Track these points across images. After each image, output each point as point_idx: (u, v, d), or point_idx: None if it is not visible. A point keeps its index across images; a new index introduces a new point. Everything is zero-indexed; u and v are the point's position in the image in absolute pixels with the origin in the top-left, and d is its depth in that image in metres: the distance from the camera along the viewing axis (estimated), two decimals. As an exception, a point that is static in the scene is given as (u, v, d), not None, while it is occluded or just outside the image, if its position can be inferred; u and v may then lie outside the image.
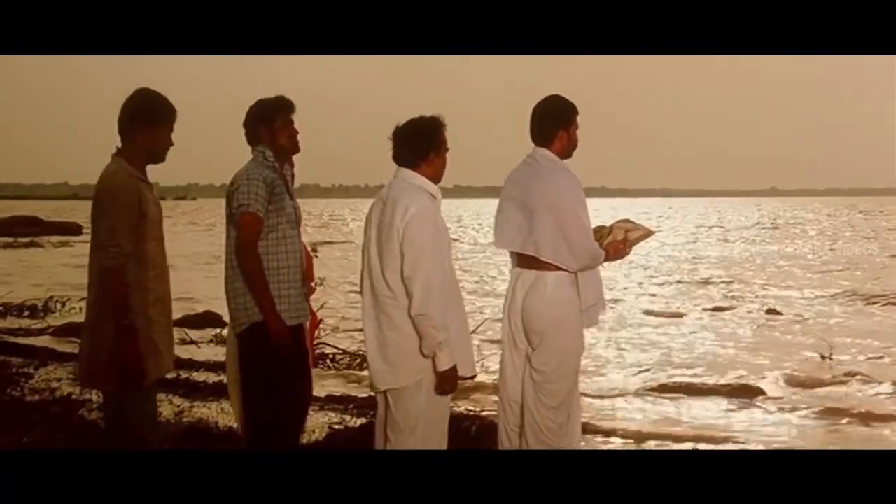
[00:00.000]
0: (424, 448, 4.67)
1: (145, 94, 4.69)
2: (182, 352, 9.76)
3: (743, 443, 7.87)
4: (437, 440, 4.76)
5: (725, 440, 7.97)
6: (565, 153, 5.26)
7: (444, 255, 4.72)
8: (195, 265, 25.37)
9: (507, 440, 5.27)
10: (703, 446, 7.62)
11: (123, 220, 4.47)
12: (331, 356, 11.08)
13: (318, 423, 7.52)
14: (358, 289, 4.98)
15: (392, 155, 4.82)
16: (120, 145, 4.65)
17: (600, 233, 5.29)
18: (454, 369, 4.67)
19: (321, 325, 9.65)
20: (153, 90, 4.72)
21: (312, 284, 5.35)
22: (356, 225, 56.44)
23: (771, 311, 16.45)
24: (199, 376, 9.62)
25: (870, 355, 12.09)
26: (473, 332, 6.17)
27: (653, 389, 9.98)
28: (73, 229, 42.88)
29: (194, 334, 12.47)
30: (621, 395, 9.78)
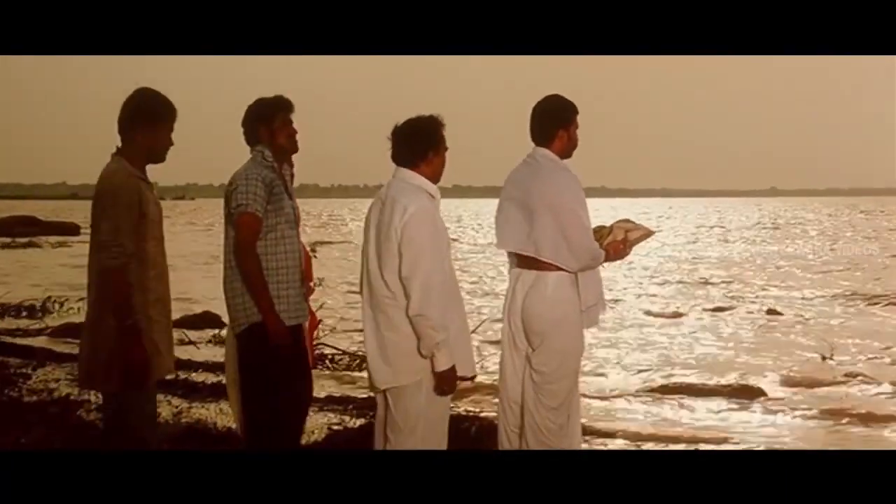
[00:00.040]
0: (424, 448, 4.66)
1: (145, 93, 4.68)
2: (181, 352, 9.73)
3: (743, 443, 7.86)
4: (437, 441, 4.75)
5: (725, 441, 7.96)
6: (565, 153, 5.25)
7: (444, 255, 4.70)
8: (193, 265, 25.36)
9: (507, 441, 5.25)
10: (703, 447, 7.61)
11: (125, 219, 4.47)
12: (330, 356, 11.07)
13: (317, 424, 7.51)
14: (356, 289, 4.97)
15: (391, 155, 4.81)
16: (120, 145, 4.64)
17: (600, 233, 5.28)
18: (453, 369, 4.66)
19: (320, 326, 9.63)
20: (153, 89, 4.71)
21: (311, 284, 5.34)
22: (355, 225, 56.46)
23: (771, 312, 16.44)
24: (197, 377, 9.60)
25: (870, 356, 12.08)
26: (472, 332, 6.15)
27: (653, 390, 9.97)
28: (72, 229, 42.89)
29: (193, 335, 12.43)
30: (621, 395, 9.77)
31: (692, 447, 7.59)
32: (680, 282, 22.48)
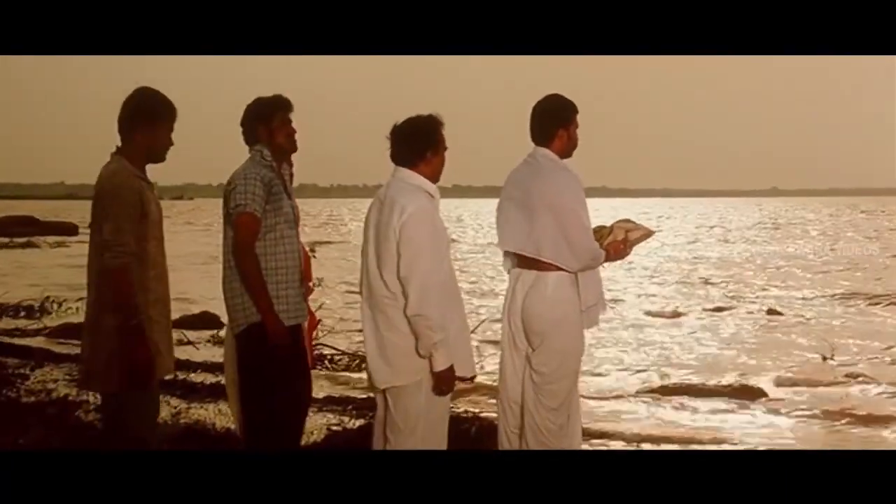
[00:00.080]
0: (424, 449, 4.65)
1: (145, 92, 4.67)
2: (179, 353, 9.70)
3: (743, 444, 7.85)
4: (437, 441, 4.74)
5: (726, 441, 7.95)
6: (565, 152, 5.24)
7: (443, 255, 4.69)
8: (192, 265, 25.33)
9: (507, 441, 5.24)
10: (703, 447, 7.60)
11: (128, 219, 4.46)
12: (329, 357, 11.06)
13: (316, 425, 7.49)
14: (355, 289, 4.97)
15: (390, 154, 4.80)
16: (119, 144, 4.63)
17: (600, 233, 5.27)
18: (451, 369, 4.64)
19: (319, 326, 9.61)
20: (153, 89, 4.70)
21: (311, 284, 5.33)
22: (355, 225, 56.43)
23: (772, 312, 16.43)
24: (196, 377, 9.57)
25: (871, 356, 12.07)
26: (472, 332, 6.14)
27: (653, 390, 9.96)
28: (70, 229, 42.84)
29: (191, 335, 12.41)
30: (621, 396, 9.76)
31: (692, 447, 7.57)
32: (680, 282, 22.48)
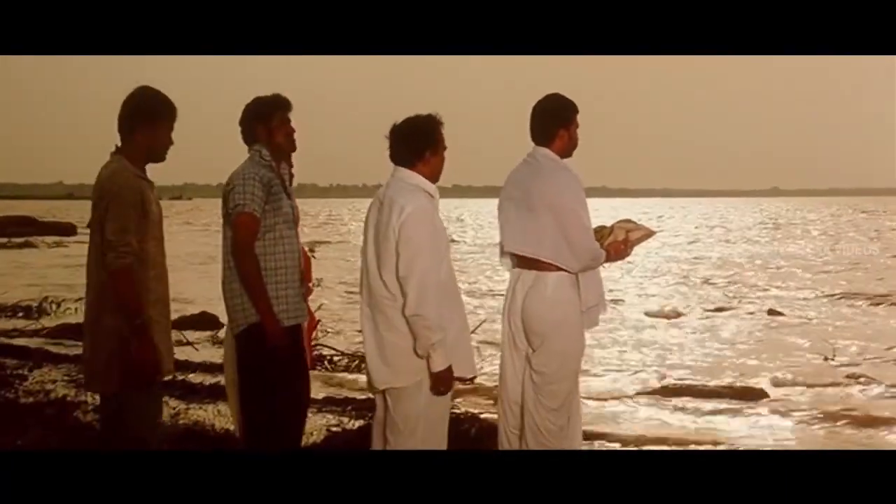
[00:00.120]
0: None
1: (145, 91, 4.66)
2: (178, 353, 9.69)
3: (744, 444, 7.83)
4: (437, 442, 4.72)
5: (726, 441, 7.94)
6: (566, 152, 5.22)
7: (442, 256, 4.68)
8: (191, 265, 25.33)
9: (507, 442, 5.22)
10: (703, 447, 7.59)
11: (130, 219, 4.45)
12: (328, 357, 11.04)
13: (315, 426, 7.47)
14: (355, 289, 4.95)
15: (389, 154, 4.78)
16: (119, 144, 4.61)
17: (601, 233, 5.25)
18: (449, 370, 4.62)
19: (318, 326, 9.60)
20: (153, 88, 4.69)
21: (310, 285, 5.31)
22: (354, 225, 56.45)
23: (772, 312, 16.42)
24: (195, 378, 9.55)
25: (872, 356, 12.06)
26: (471, 333, 6.12)
27: (653, 391, 9.94)
28: (68, 229, 42.79)
29: (190, 335, 12.39)
30: (621, 396, 9.75)
31: (692, 448, 7.56)
32: (680, 282, 22.47)
